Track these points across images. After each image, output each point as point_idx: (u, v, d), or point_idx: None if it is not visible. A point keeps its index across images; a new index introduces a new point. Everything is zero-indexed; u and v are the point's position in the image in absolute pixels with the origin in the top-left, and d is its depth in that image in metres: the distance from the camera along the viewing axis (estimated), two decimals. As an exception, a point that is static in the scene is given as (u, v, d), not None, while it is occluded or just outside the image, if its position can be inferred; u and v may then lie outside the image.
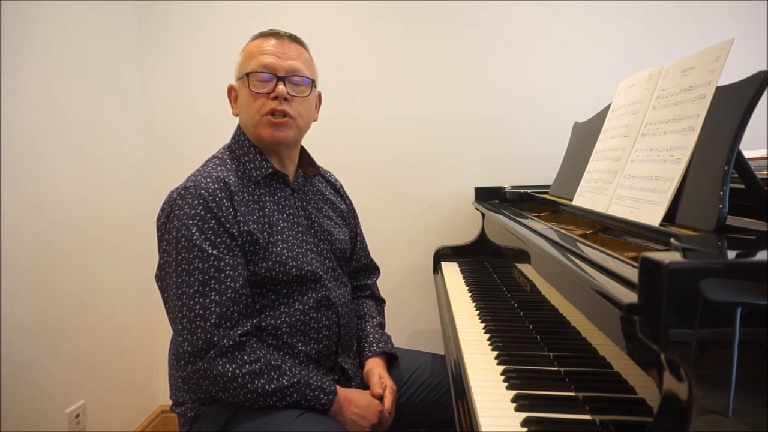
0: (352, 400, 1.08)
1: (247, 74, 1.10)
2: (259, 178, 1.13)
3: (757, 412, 0.49)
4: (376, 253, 1.48)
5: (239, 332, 1.01)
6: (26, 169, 1.52)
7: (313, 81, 1.17)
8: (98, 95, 1.82)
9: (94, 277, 1.78)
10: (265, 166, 1.14)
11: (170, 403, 1.15)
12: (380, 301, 1.42)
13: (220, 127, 1.93)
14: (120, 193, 1.93)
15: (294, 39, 1.16)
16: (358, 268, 1.39)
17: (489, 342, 1.06)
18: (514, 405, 0.78)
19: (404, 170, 2.02)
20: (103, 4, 1.84)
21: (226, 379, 0.99)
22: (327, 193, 1.30)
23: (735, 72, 0.82)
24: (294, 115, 1.11)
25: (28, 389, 1.51)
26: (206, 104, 2.03)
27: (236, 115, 1.19)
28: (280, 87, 1.09)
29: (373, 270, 1.44)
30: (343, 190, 1.39)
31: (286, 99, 1.09)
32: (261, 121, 1.10)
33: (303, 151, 1.25)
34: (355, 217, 1.40)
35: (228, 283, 1.02)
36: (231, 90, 1.19)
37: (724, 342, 0.48)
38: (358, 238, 1.38)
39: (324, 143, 1.46)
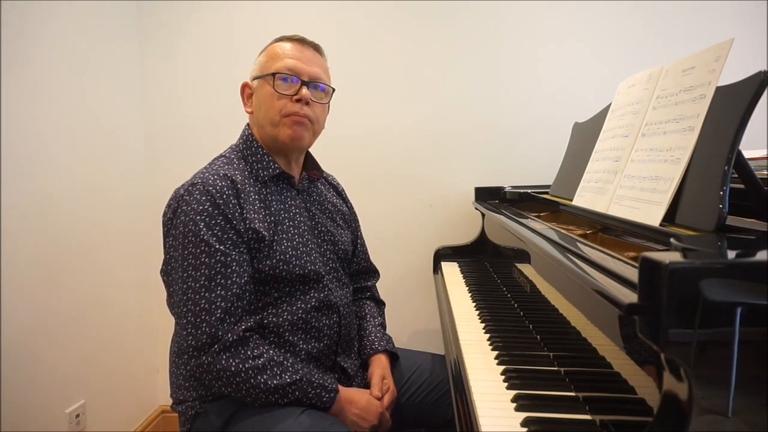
0: (354, 401, 1.09)
1: (273, 74, 1.11)
2: (267, 178, 1.14)
3: (757, 412, 0.49)
4: (376, 254, 1.48)
5: (243, 327, 1.02)
6: (27, 168, 1.52)
7: (333, 90, 1.21)
8: (99, 93, 1.82)
9: (94, 277, 1.78)
10: (273, 166, 1.15)
11: (170, 402, 1.15)
12: (380, 303, 1.42)
13: (220, 124, 1.95)
14: (121, 193, 1.93)
15: (316, 48, 1.20)
16: (358, 270, 1.39)
17: (489, 342, 1.06)
18: (514, 405, 0.78)
19: (404, 170, 2.02)
20: (104, 4, 1.85)
21: (229, 373, 0.99)
22: (330, 195, 1.32)
23: (735, 72, 0.82)
24: (313, 120, 1.14)
25: (29, 389, 1.51)
26: (206, 101, 2.03)
27: (249, 113, 1.19)
28: (305, 91, 1.11)
29: (373, 273, 1.44)
30: (345, 194, 1.40)
31: (307, 103, 1.12)
32: (281, 121, 1.12)
33: (308, 154, 1.26)
34: (356, 220, 1.40)
35: (234, 279, 1.02)
36: (245, 87, 1.19)
37: (724, 342, 0.48)
38: (359, 241, 1.39)
39: (324, 143, 1.47)
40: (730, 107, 0.78)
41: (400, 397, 1.21)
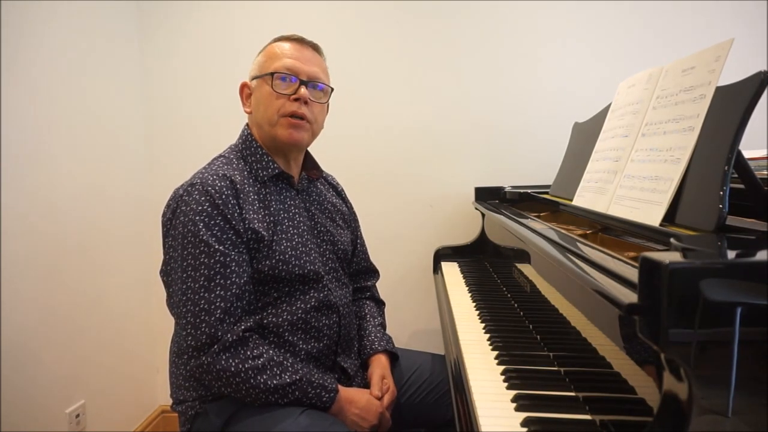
0: (353, 401, 1.09)
1: (272, 74, 1.11)
2: (266, 178, 1.14)
3: (757, 412, 0.49)
4: (376, 253, 1.48)
5: (242, 328, 1.02)
6: (27, 167, 1.52)
7: (332, 89, 1.20)
8: (99, 93, 1.82)
9: (94, 277, 1.78)
10: (272, 166, 1.15)
11: (170, 402, 1.15)
12: (380, 303, 1.42)
13: (220, 124, 1.95)
14: (121, 193, 1.93)
15: (315, 48, 1.20)
16: (358, 270, 1.39)
17: (489, 342, 1.06)
18: (514, 405, 0.78)
19: (404, 170, 2.02)
20: (104, 4, 1.84)
21: (228, 374, 0.99)
22: (329, 195, 1.32)
23: (735, 72, 0.82)
24: (311, 120, 1.14)
25: (29, 389, 1.51)
26: (206, 101, 2.04)
27: (248, 113, 1.19)
28: (303, 90, 1.12)
29: (373, 273, 1.44)
30: (345, 194, 1.40)
31: (306, 102, 1.12)
32: (279, 121, 1.12)
33: (307, 154, 1.26)
34: (356, 220, 1.40)
35: (233, 279, 1.02)
36: (244, 87, 1.20)
37: (724, 342, 0.48)
38: (358, 241, 1.39)
39: (324, 143, 1.47)
40: (730, 107, 0.78)
41: (400, 397, 1.21)
